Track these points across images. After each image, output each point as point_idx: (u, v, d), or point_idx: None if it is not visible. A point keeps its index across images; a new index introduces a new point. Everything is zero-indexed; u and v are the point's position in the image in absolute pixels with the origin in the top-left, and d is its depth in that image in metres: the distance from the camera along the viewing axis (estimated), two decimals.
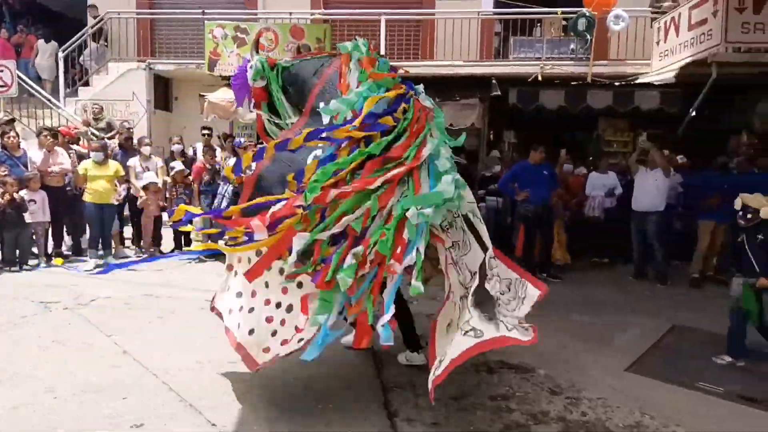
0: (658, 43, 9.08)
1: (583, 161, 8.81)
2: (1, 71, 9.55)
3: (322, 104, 3.37)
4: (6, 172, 6.56)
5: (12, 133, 7.06)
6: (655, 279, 6.95)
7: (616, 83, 8.90)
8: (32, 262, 6.87)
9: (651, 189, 6.91)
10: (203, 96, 8.98)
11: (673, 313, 5.55)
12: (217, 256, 5.48)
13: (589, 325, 5.17)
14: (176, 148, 8.40)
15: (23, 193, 6.61)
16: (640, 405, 3.40)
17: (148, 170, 7.58)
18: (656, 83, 8.71)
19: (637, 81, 8.97)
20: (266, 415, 3.15)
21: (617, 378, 3.86)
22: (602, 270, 7.68)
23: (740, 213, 4.35)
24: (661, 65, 8.82)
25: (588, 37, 9.13)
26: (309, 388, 3.52)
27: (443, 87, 8.89)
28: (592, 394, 3.54)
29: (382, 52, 9.67)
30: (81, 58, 11.16)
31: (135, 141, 8.17)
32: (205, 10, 10.66)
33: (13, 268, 6.55)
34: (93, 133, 8.93)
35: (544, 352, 4.26)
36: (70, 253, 7.50)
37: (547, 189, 6.89)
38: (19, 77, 9.85)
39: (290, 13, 10.73)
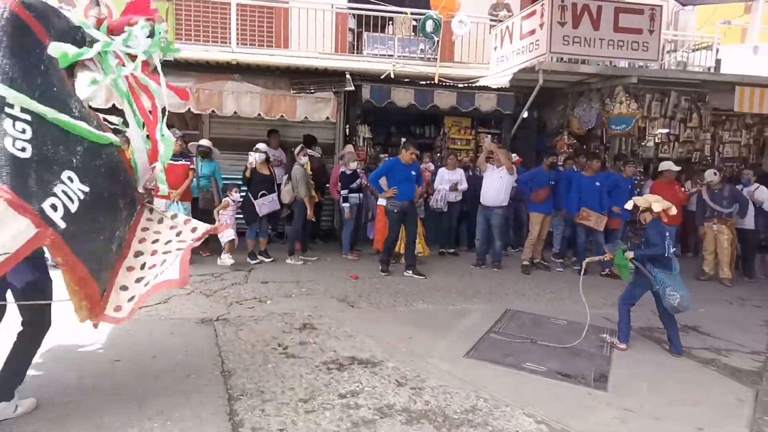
0: (495, 48, 9.90)
1: (431, 156, 9.32)
2: None
3: None
4: None
5: None
6: (492, 266, 7.64)
7: (460, 85, 9.53)
8: None
9: (497, 185, 7.56)
10: None
11: (506, 298, 6.16)
12: None
13: (434, 313, 5.50)
14: None
15: None
16: (476, 389, 3.70)
17: None
18: (493, 86, 9.50)
19: (478, 83, 9.70)
20: None
21: (457, 364, 4.16)
22: (447, 260, 8.23)
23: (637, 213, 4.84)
24: (498, 69, 9.64)
25: (435, 38, 9.62)
26: (143, 403, 3.25)
27: (298, 79, 8.77)
28: (434, 382, 3.77)
29: (233, 37, 9.24)
30: None
31: None
32: None
33: None
34: None
35: (393, 344, 4.46)
36: None
37: (413, 187, 7.19)
38: None
39: None
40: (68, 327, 3.35)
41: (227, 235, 7.06)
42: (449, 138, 9.94)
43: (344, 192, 7.88)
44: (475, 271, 7.53)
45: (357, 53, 10.37)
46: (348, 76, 8.80)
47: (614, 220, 7.64)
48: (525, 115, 9.55)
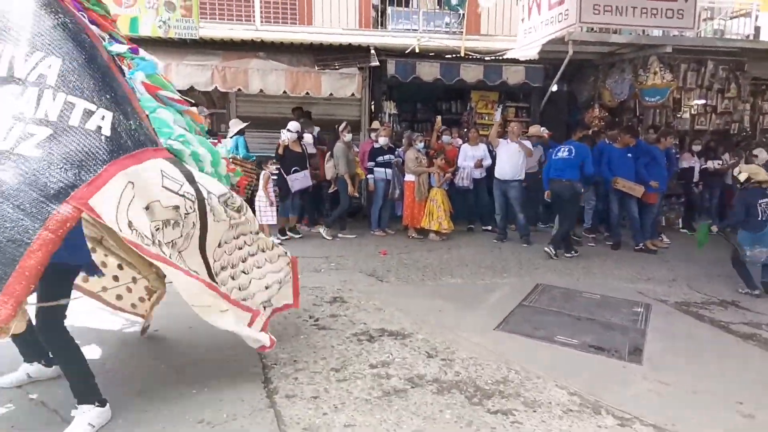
0: (523, 20, 9.63)
1: (458, 132, 9.20)
2: None
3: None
4: None
5: None
6: (521, 241, 7.55)
7: (486, 58, 9.34)
8: None
9: (512, 158, 7.43)
10: None
11: (536, 272, 6.09)
12: None
13: (463, 287, 5.48)
14: None
15: None
16: (506, 361, 3.68)
17: None
18: (521, 59, 9.27)
19: (505, 56, 9.48)
20: (133, 407, 2.93)
21: (487, 337, 4.14)
22: (475, 236, 8.17)
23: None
24: (526, 42, 9.39)
25: (460, 11, 9.42)
26: (182, 373, 3.33)
27: (322, 55, 8.71)
28: (465, 354, 3.76)
29: (257, 15, 9.20)
30: None
31: None
32: None
33: None
34: None
35: (422, 317, 4.46)
36: None
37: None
38: None
39: None
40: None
41: (268, 217, 7.03)
42: (476, 113, 9.79)
43: (370, 164, 7.87)
44: (503, 246, 7.46)
45: (381, 28, 10.22)
46: (372, 51, 8.69)
47: (651, 194, 7.32)
48: (554, 88, 9.31)
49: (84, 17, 2.81)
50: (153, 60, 3.24)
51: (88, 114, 2.40)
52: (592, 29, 8.23)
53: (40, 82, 2.39)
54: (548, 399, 3.20)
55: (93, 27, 2.84)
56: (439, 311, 4.65)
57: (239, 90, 8.25)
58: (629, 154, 7.31)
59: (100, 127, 2.40)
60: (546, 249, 6.76)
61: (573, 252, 6.89)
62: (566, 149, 6.94)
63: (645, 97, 8.75)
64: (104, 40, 2.90)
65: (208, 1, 9.94)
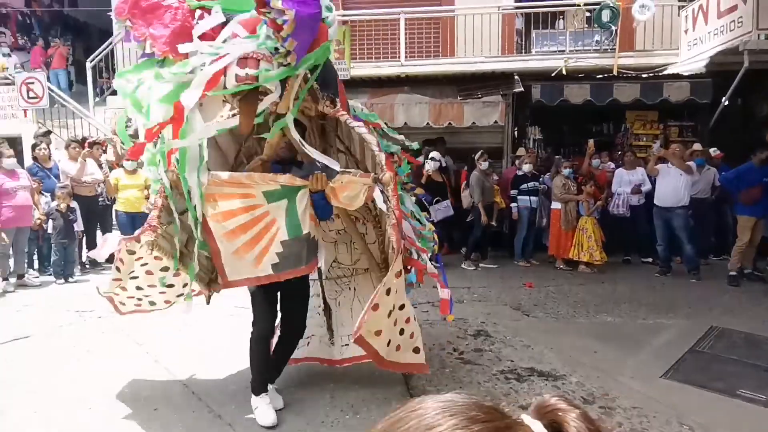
0: (686, 31, 8.80)
1: (610, 155, 8.61)
2: (32, 83, 9.81)
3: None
4: (36, 185, 6.73)
5: (42, 146, 7.23)
6: (689, 275, 6.76)
7: (644, 75, 8.67)
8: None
9: (675, 184, 6.73)
10: None
11: (710, 314, 5.39)
12: None
13: (620, 326, 5.04)
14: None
15: (56, 203, 6.75)
16: (677, 414, 3.29)
17: None
18: (686, 74, 8.45)
19: (666, 72, 8.72)
20: (293, 428, 3.15)
21: (652, 385, 3.75)
22: (630, 268, 7.51)
23: None
24: (690, 55, 8.54)
25: (613, 28, 8.90)
26: (335, 398, 3.51)
27: (465, 85, 8.81)
28: (627, 403, 3.44)
29: (402, 52, 9.61)
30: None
31: None
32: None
33: (59, 281, 6.65)
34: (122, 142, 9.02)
35: (575, 358, 4.19)
36: (103, 260, 7.67)
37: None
38: (49, 88, 10.10)
39: None
40: None
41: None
42: (632, 134, 9.09)
43: (513, 192, 7.69)
44: (667, 281, 6.75)
45: (525, 53, 10.05)
46: (516, 77, 8.57)
47: None
48: (726, 103, 8.30)
49: None
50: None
51: None
52: None
53: None
54: None
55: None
56: (594, 352, 4.33)
57: (386, 124, 8.64)
58: None
59: None
60: None
61: None
62: None
63: None
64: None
65: (357, 43, 10.66)
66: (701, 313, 5.40)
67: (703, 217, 7.27)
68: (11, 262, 6.53)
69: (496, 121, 8.38)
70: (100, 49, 11.14)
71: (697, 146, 7.59)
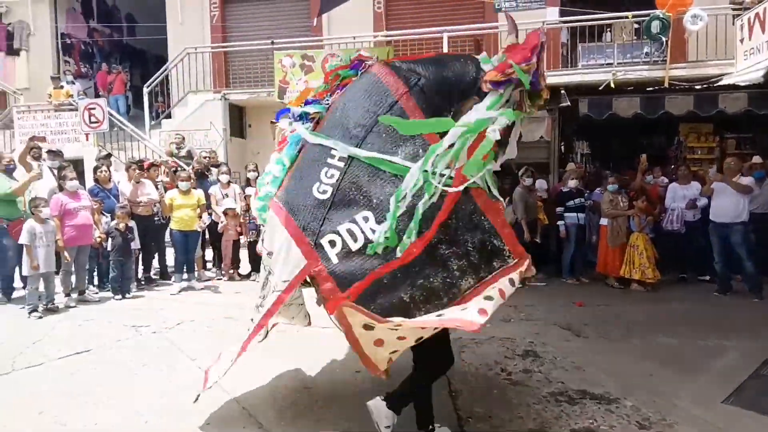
0: (741, 41, 8.45)
1: (663, 170, 8.33)
2: (94, 109, 10.42)
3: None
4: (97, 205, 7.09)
5: (103, 168, 7.63)
6: (750, 294, 6.42)
7: (697, 86, 8.39)
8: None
9: (733, 199, 6.44)
10: (274, 123, 9.28)
11: None
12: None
13: (678, 348, 4.83)
14: (251, 175, 8.62)
15: (115, 222, 7.08)
16: None
17: (227, 197, 7.97)
18: (742, 84, 8.12)
19: (721, 83, 8.40)
20: None
21: (713, 411, 3.56)
22: (686, 287, 7.20)
23: None
24: (747, 64, 8.19)
25: (663, 39, 8.67)
26: (352, 420, 3.49)
27: None
28: (686, 429, 3.29)
29: None
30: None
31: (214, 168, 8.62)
32: (274, 40, 11.12)
33: (116, 296, 6.92)
34: (176, 162, 9.32)
35: (630, 381, 4.04)
36: (157, 277, 7.99)
37: None
38: (109, 113, 10.69)
39: (354, 37, 10.97)
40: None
41: None
42: (686, 147, 8.78)
43: (560, 209, 7.54)
44: (726, 300, 6.43)
45: (571, 66, 9.91)
46: (563, 91, 8.43)
47: None
48: None
49: None
50: None
51: None
52: None
53: None
54: None
55: None
56: (649, 375, 4.17)
57: None
58: None
59: None
60: None
61: None
62: None
63: None
64: None
65: None
66: (764, 335, 5.10)
67: (765, 233, 6.91)
68: (73, 278, 6.87)
69: (542, 137, 8.28)
70: (155, 75, 11.73)
71: (756, 159, 7.26)
